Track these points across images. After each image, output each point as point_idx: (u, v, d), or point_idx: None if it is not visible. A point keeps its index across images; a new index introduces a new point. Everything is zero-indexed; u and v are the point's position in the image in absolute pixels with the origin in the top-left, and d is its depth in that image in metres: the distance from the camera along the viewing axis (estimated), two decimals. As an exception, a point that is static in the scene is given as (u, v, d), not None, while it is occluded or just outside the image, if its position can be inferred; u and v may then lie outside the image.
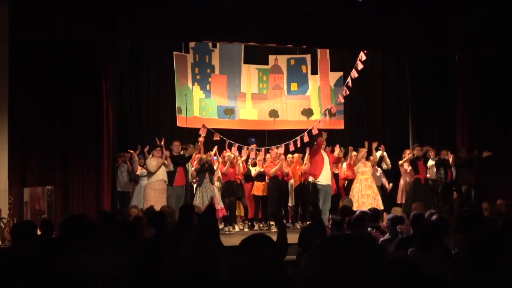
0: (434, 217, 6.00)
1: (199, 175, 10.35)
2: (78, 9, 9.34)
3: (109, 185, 9.84)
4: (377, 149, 11.20)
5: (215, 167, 10.56)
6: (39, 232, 5.37)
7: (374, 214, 7.18)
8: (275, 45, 11.63)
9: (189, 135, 11.76)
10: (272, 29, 10.36)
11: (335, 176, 10.88)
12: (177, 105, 12.02)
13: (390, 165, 11.44)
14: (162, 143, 10.41)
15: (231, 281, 2.17)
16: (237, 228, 10.79)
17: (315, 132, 11.53)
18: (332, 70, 13.18)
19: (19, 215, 8.57)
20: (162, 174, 10.16)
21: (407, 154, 11.18)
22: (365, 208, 8.50)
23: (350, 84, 12.29)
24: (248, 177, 11.16)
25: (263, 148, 12.08)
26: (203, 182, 10.25)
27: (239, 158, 11.04)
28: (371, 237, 5.81)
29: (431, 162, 11.16)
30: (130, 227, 4.51)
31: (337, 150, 11.32)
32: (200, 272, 2.71)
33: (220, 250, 2.84)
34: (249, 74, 12.96)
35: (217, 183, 10.68)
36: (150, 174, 10.21)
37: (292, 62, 13.19)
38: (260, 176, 11.02)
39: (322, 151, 10.10)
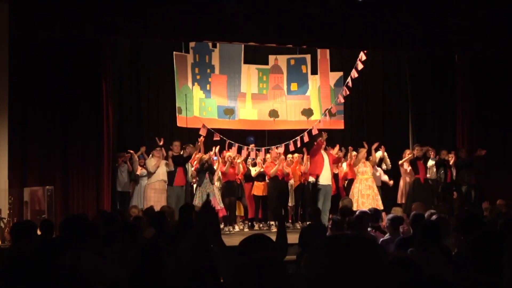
0: (434, 217, 5.99)
1: (199, 175, 10.36)
2: (78, 9, 9.34)
3: (109, 185, 9.84)
4: (377, 150, 11.19)
5: (215, 167, 10.56)
6: (39, 232, 5.37)
7: (374, 214, 7.18)
8: (275, 45, 11.62)
9: (189, 135, 11.76)
10: (272, 29, 10.36)
11: (335, 176, 10.88)
12: (177, 105, 12.02)
13: (390, 165, 11.44)
14: (161, 142, 10.42)
15: (231, 281, 2.17)
16: (237, 228, 10.80)
17: (315, 132, 11.52)
18: (332, 70, 13.18)
19: (19, 215, 8.57)
20: (162, 174, 10.17)
21: (407, 154, 11.18)
22: (365, 208, 8.49)
23: (350, 84, 12.29)
24: (248, 177, 11.16)
25: (263, 148, 12.08)
26: (203, 182, 10.26)
27: (237, 157, 11.03)
28: (371, 237, 5.81)
29: (431, 162, 11.17)
30: (130, 227, 4.50)
31: (336, 149, 11.32)
32: (200, 272, 2.71)
33: (221, 249, 2.83)
34: (249, 74, 12.96)
35: (217, 183, 10.68)
36: (150, 174, 10.22)
37: (292, 62, 13.19)
38: (260, 176, 11.02)
39: (322, 151, 10.10)
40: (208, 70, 12.70)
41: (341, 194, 10.77)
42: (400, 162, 11.33)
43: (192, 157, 10.48)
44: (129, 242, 3.91)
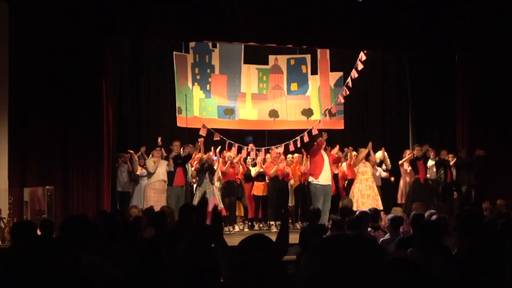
0: (434, 217, 5.99)
1: (199, 175, 10.36)
2: (78, 9, 9.34)
3: (109, 185, 9.84)
4: (377, 150, 11.19)
5: (215, 167, 10.56)
6: (39, 232, 5.38)
7: (374, 214, 7.18)
8: (275, 45, 11.62)
9: (189, 135, 11.76)
10: (272, 29, 10.36)
11: (335, 176, 10.88)
12: (177, 105, 12.02)
13: (390, 165, 11.45)
14: (159, 142, 10.43)
15: (231, 281, 2.17)
16: (237, 228, 10.80)
17: (315, 132, 11.52)
18: (332, 70, 13.18)
19: (19, 215, 8.57)
20: (162, 174, 10.18)
21: (407, 154, 11.18)
22: (365, 208, 8.49)
23: (350, 84, 12.29)
24: (248, 177, 11.16)
25: (263, 148, 12.08)
26: (203, 182, 10.26)
27: (236, 157, 11.02)
28: (371, 237, 5.82)
29: (431, 162, 11.17)
30: (130, 227, 4.51)
31: (336, 149, 11.32)
32: (200, 272, 2.71)
33: (222, 249, 2.83)
34: (249, 74, 12.97)
35: (217, 183, 10.69)
36: (150, 174, 10.22)
37: (292, 62, 13.20)
38: (260, 176, 11.02)
39: (322, 151, 10.10)
40: (208, 70, 12.70)
41: (341, 194, 10.76)
42: (400, 162, 11.33)
43: (192, 157, 10.48)
44: (129, 242, 3.91)
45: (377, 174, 11.10)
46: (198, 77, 12.55)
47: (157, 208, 7.90)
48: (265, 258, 2.05)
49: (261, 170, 11.02)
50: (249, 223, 11.24)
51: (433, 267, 3.67)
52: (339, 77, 13.07)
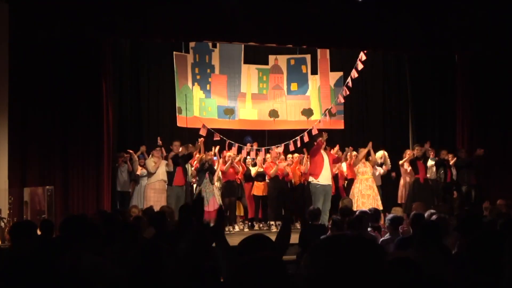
0: (434, 217, 5.99)
1: (199, 175, 10.37)
2: (78, 9, 9.34)
3: (109, 185, 9.84)
4: (377, 150, 11.19)
5: (215, 167, 10.56)
6: (39, 232, 5.37)
7: (374, 214, 7.18)
8: (275, 45, 11.62)
9: (189, 135, 11.76)
10: (272, 29, 10.36)
11: (335, 176, 10.88)
12: (177, 105, 12.02)
13: (390, 165, 11.45)
14: (159, 142, 10.43)
15: (231, 281, 2.17)
16: (237, 228, 10.80)
17: (315, 132, 11.52)
18: (332, 70, 13.18)
19: (19, 215, 8.57)
20: (162, 174, 10.17)
21: (407, 154, 11.18)
22: (365, 208, 8.49)
23: (350, 84, 12.29)
24: (248, 177, 11.17)
25: (263, 148, 12.08)
26: (203, 181, 10.26)
27: (237, 157, 11.03)
28: (371, 237, 5.81)
29: (431, 162, 11.17)
30: (130, 227, 4.50)
31: (336, 149, 11.32)
32: (200, 271, 2.71)
33: (222, 249, 2.83)
34: (249, 74, 12.97)
35: (217, 183, 10.69)
36: (149, 174, 10.22)
37: (292, 62, 13.20)
38: (260, 176, 11.03)
39: (322, 151, 10.11)
40: (208, 70, 12.70)
41: (341, 194, 10.77)
42: (400, 162, 11.33)
43: (192, 157, 10.47)
44: (129, 242, 3.91)
45: (377, 174, 11.10)
46: (198, 77, 12.55)
47: (157, 208, 7.89)
48: (265, 258, 2.05)
49: (261, 170, 11.03)
50: (249, 223, 11.24)
51: (433, 267, 3.67)
52: (339, 77, 13.07)
